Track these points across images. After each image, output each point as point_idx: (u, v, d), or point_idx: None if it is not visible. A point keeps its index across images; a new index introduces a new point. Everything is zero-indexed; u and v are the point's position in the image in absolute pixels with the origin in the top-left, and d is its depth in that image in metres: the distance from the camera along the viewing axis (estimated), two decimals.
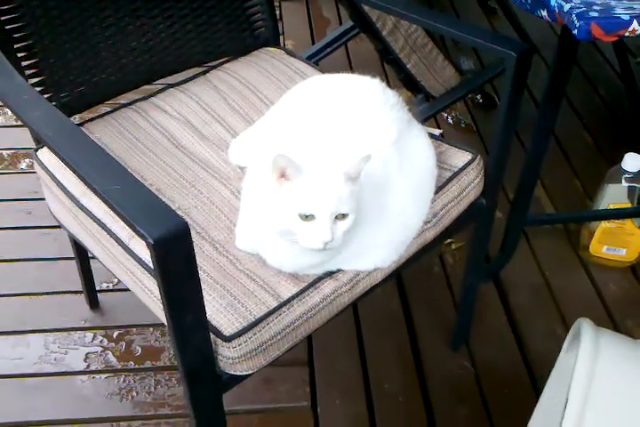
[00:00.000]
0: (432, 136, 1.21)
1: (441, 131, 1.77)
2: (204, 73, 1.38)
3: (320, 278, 0.99)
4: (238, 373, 0.91)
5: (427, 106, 1.78)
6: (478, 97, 2.19)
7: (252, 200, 1.02)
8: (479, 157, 1.21)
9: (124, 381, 1.47)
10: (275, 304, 0.94)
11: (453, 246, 1.76)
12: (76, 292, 1.63)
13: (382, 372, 1.48)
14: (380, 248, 1.03)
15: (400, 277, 1.70)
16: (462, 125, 2.11)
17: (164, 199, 1.06)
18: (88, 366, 1.51)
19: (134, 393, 1.45)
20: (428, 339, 1.56)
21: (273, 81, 1.34)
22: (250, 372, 0.92)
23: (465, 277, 1.42)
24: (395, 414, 1.42)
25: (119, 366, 1.50)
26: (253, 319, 0.91)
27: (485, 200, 1.24)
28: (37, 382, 1.47)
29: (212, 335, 0.89)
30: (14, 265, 1.72)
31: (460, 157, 1.21)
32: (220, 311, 0.92)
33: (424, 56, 1.68)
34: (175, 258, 0.73)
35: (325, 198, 0.88)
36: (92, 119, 1.26)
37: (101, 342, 1.56)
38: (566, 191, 1.97)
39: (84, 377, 1.49)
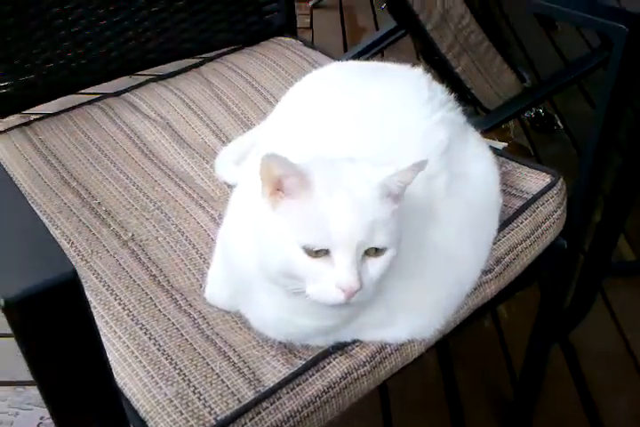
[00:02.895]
0: (494, 151, 0.87)
1: (505, 144, 1.43)
2: (198, 66, 1.08)
3: (326, 354, 0.65)
4: None
5: (477, 121, 1.44)
6: (531, 114, 1.86)
7: (235, 228, 0.69)
8: (562, 180, 0.87)
9: None
10: (251, 397, 0.60)
11: None
12: None
13: None
14: (417, 311, 0.69)
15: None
16: (509, 137, 1.76)
17: (113, 225, 0.76)
18: None
19: None
20: (476, 419, 1.21)
21: (283, 76, 1.03)
22: None
23: (530, 342, 1.06)
24: None
25: None
26: (214, 422, 0.58)
27: (567, 241, 0.89)
28: None
29: None
30: None
31: (533, 180, 0.87)
32: (161, 407, 0.58)
33: (478, 57, 1.35)
34: (52, 333, 0.41)
35: (348, 223, 0.55)
36: (43, 117, 0.96)
37: None
38: None
39: None
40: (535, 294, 1.09)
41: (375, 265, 0.58)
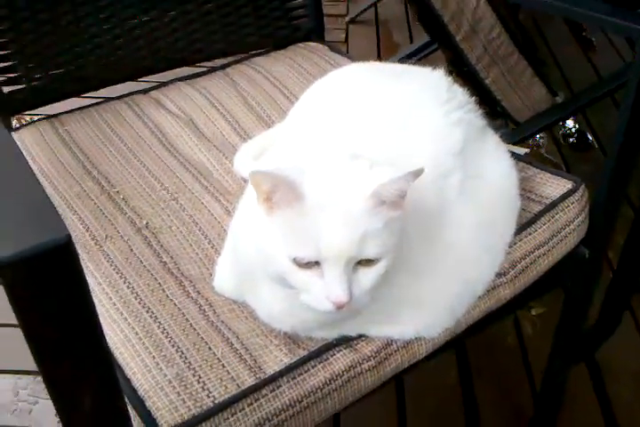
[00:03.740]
0: (515, 156, 0.86)
1: (527, 150, 1.41)
2: (224, 67, 1.10)
3: (330, 346, 0.64)
4: None
5: (506, 133, 1.43)
6: (570, 137, 1.83)
7: (243, 225, 0.69)
8: (583, 186, 0.85)
9: None
10: (251, 382, 0.60)
11: (534, 312, 1.37)
12: None
13: None
14: (425, 308, 0.68)
15: (462, 344, 1.31)
16: (540, 149, 1.73)
17: (129, 213, 0.77)
18: (58, 422, 1.18)
19: None
20: None
21: (307, 79, 1.04)
22: None
23: (550, 357, 1.03)
24: None
25: None
26: (212, 405, 0.57)
27: (589, 251, 0.87)
28: None
29: (141, 425, 0.56)
30: None
31: (554, 186, 0.86)
32: (160, 387, 0.58)
33: (508, 69, 1.34)
34: (45, 297, 0.41)
35: (338, 238, 0.55)
36: (71, 110, 0.98)
37: None
38: None
39: None
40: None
41: (367, 275, 0.57)
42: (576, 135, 1.85)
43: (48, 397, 1.29)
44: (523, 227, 0.80)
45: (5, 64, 0.92)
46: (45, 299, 0.40)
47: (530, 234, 0.80)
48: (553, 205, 0.83)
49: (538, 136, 1.77)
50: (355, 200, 0.56)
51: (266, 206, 0.57)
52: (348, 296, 0.55)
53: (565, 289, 1.06)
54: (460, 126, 0.74)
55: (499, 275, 0.75)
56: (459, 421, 1.20)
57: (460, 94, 0.79)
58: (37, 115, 0.98)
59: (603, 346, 1.31)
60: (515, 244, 0.78)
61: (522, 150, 1.34)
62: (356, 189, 0.56)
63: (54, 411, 1.26)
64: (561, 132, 1.87)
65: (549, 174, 0.88)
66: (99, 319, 0.44)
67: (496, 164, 0.79)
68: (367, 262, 0.57)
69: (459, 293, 0.71)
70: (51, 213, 0.42)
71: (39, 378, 1.26)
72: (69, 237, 0.40)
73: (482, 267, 0.74)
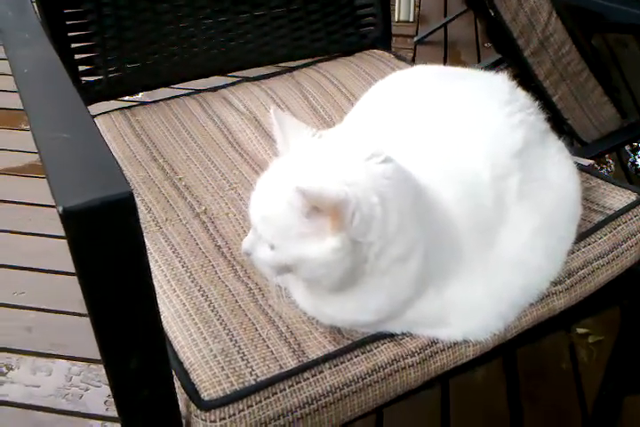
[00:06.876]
0: (578, 166, 0.85)
1: (592, 162, 1.38)
2: (292, 70, 1.12)
3: (375, 338, 0.64)
4: None
5: (573, 152, 1.40)
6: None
7: None
8: None
9: None
10: (293, 364, 0.60)
11: (590, 340, 1.32)
12: None
13: None
14: (475, 313, 0.67)
15: (514, 366, 1.27)
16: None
17: (189, 198, 0.79)
18: (107, 409, 1.23)
19: None
20: None
21: (371, 84, 1.02)
22: None
23: (602, 385, 0.99)
24: None
25: None
26: (254, 382, 0.58)
27: None
28: (46, 418, 1.21)
29: (183, 396, 0.57)
30: (53, 277, 1.48)
31: (617, 197, 0.84)
32: (205, 361, 0.59)
33: (577, 87, 1.32)
34: (104, 248, 0.43)
35: (253, 203, 0.60)
36: (142, 103, 1.02)
37: None
38: None
39: (98, 424, 1.20)
40: None
41: (266, 251, 0.58)
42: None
43: (99, 384, 1.31)
44: (582, 236, 0.78)
45: (86, 55, 0.96)
46: (104, 250, 0.42)
47: (589, 244, 0.78)
48: (615, 215, 0.81)
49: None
50: (286, 188, 0.55)
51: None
52: (246, 251, 0.60)
53: (623, 310, 1.02)
54: (520, 128, 0.73)
55: (554, 283, 0.74)
56: None
57: (523, 97, 0.79)
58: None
59: None
60: (573, 252, 0.76)
61: (586, 161, 1.31)
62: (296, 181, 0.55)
63: (104, 398, 1.28)
64: (631, 164, 1.82)
65: (613, 186, 0.86)
66: (152, 278, 0.45)
67: (558, 168, 0.78)
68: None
69: (511, 298, 0.70)
70: (117, 173, 0.45)
71: (92, 366, 1.30)
72: (131, 193, 0.41)
73: (538, 273, 0.73)
